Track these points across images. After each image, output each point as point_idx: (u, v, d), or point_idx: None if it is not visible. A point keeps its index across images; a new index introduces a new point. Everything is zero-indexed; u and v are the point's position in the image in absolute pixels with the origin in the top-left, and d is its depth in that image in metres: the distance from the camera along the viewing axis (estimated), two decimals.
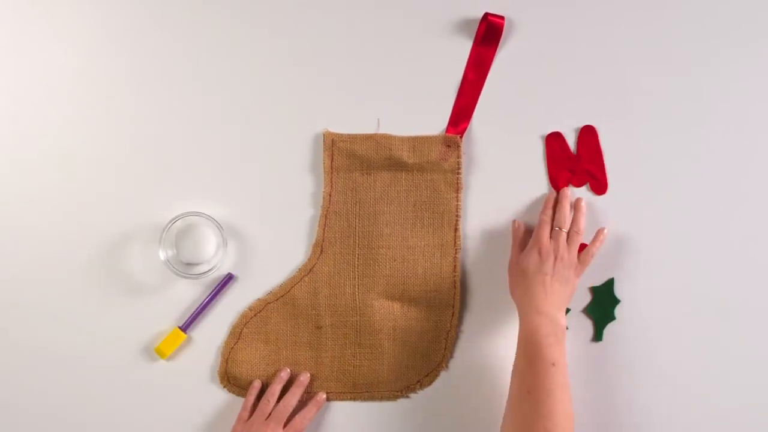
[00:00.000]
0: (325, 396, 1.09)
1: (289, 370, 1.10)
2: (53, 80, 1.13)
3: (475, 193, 1.16)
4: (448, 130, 1.14)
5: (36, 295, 1.13)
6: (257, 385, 1.09)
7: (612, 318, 1.15)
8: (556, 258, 1.05)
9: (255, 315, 1.15)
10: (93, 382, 1.13)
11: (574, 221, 1.08)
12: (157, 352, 1.12)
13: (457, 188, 1.14)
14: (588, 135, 1.13)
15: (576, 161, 1.14)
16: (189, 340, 1.13)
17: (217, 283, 1.11)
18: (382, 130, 1.14)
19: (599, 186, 1.12)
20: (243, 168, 1.15)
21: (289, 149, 1.15)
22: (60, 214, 1.13)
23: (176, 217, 1.10)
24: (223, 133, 1.15)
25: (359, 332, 1.14)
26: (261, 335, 1.15)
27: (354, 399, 1.15)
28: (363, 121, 1.15)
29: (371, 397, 1.15)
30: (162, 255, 1.11)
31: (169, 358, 1.14)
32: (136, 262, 1.13)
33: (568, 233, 1.08)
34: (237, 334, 1.15)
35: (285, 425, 1.09)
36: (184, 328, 1.15)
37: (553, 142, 1.15)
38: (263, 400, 1.09)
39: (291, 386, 1.12)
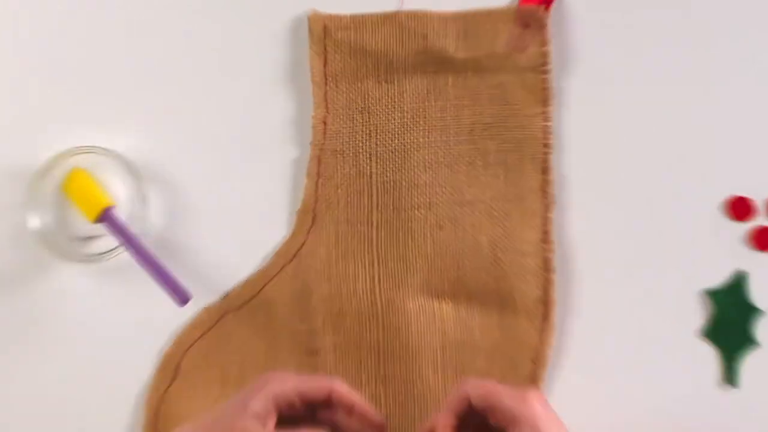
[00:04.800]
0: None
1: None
2: None
3: (575, 106, 0.90)
4: None
5: None
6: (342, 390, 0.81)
7: (751, 342, 0.90)
8: None
9: (202, 335, 0.89)
10: None
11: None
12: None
13: (544, 98, 0.90)
14: None
15: None
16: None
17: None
18: (409, 5, 0.90)
19: None
20: (174, 77, 0.93)
21: (251, 45, 0.92)
22: None
23: (57, 156, 0.89)
24: (139, 17, 0.93)
25: (383, 358, 0.89)
26: (213, 369, 0.90)
27: None
28: None
29: None
30: (33, 222, 0.89)
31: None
32: None
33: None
34: (172, 369, 0.89)
35: None
36: None
37: None
38: None
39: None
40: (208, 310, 0.88)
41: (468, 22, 0.89)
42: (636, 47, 0.91)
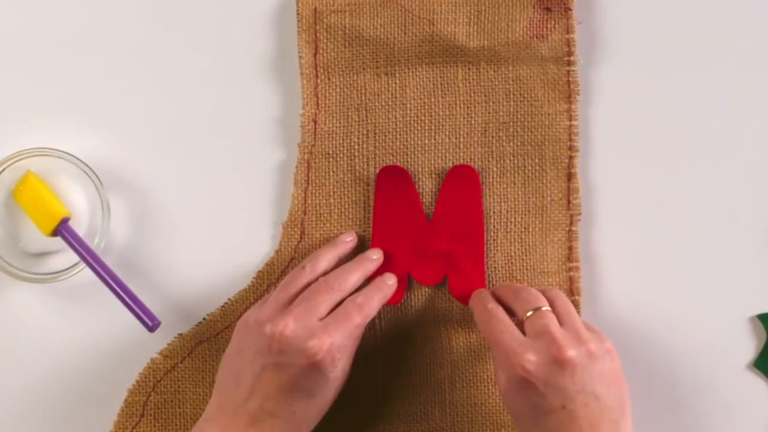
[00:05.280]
0: (393, 282, 0.86)
1: (355, 235, 0.88)
2: None
3: (605, 102, 0.86)
4: None
5: None
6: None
7: None
8: (586, 352, 0.80)
9: (174, 367, 0.85)
10: None
11: (547, 293, 0.84)
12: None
13: (568, 94, 0.86)
14: None
15: None
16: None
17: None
18: None
19: None
20: (142, 69, 0.88)
21: (229, 31, 0.87)
22: None
23: (5, 159, 0.85)
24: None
25: (382, 394, 0.86)
26: (186, 406, 0.86)
27: None
28: None
29: None
30: None
31: None
32: None
33: (555, 310, 0.83)
34: (138, 408, 0.85)
35: None
36: None
37: None
38: (324, 281, 0.83)
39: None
40: (181, 338, 0.85)
41: (481, 5, 0.84)
42: (677, 33, 0.86)
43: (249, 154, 0.86)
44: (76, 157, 0.83)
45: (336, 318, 0.80)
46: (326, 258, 0.85)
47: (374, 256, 0.86)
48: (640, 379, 0.86)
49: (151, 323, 0.80)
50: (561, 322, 0.82)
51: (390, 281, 0.87)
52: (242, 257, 0.86)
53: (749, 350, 0.86)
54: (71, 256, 0.83)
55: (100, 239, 0.84)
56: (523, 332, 0.80)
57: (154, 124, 0.87)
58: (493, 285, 0.86)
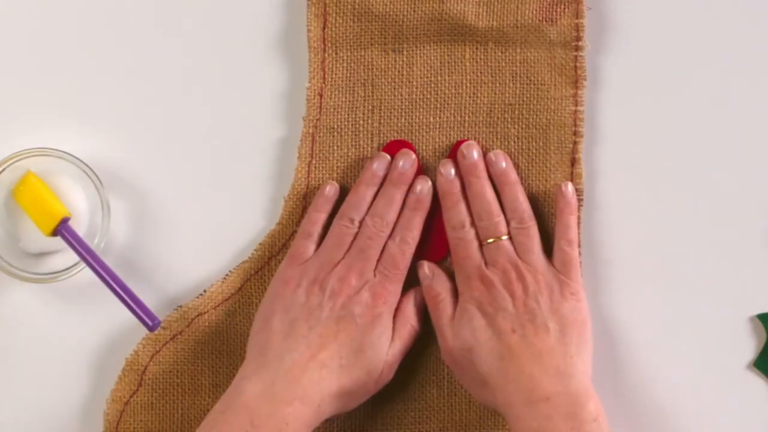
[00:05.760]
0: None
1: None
2: None
3: (613, 88, 0.85)
4: None
5: None
6: (331, 191, 0.86)
7: None
8: (522, 289, 0.83)
9: (172, 339, 0.84)
10: None
11: (510, 206, 0.85)
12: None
13: (575, 79, 0.85)
14: None
15: None
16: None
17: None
18: None
19: None
20: (139, 47, 0.86)
21: (235, 8, 0.85)
22: None
23: (5, 159, 0.84)
24: None
25: None
26: (184, 377, 0.85)
27: None
28: None
29: None
30: None
31: None
32: None
33: (510, 233, 0.84)
34: (136, 377, 0.85)
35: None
36: None
37: None
38: (367, 224, 0.84)
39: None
40: (180, 310, 0.84)
41: None
42: (687, 23, 0.85)
43: (254, 125, 0.84)
44: (76, 157, 0.83)
45: (385, 266, 0.82)
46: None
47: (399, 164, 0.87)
48: (638, 370, 0.86)
49: (151, 323, 0.80)
50: (518, 253, 0.83)
51: (420, 185, 0.86)
52: (244, 256, 0.85)
53: (749, 350, 0.85)
54: (71, 256, 0.83)
55: (100, 239, 0.83)
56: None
57: (154, 119, 0.85)
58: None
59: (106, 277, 0.81)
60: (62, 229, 0.81)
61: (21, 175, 0.83)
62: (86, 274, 0.81)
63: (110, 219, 0.83)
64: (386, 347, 0.82)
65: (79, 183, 0.83)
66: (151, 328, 0.81)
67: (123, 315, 0.82)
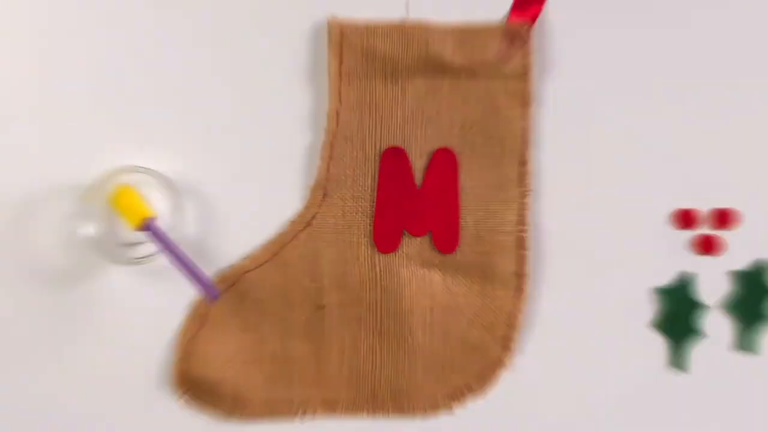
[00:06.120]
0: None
1: None
2: None
3: (551, 109, 0.88)
4: (511, 15, 0.87)
5: None
6: None
7: (697, 333, 0.89)
8: None
9: (227, 289, 0.87)
10: None
11: None
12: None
13: (524, 102, 0.87)
14: None
15: None
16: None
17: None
18: (413, 16, 0.87)
19: None
20: (207, 85, 0.87)
21: (275, 48, 0.87)
22: None
23: (107, 174, 0.84)
24: (174, 32, 0.87)
25: (380, 315, 0.87)
26: (236, 319, 0.87)
27: (373, 413, 0.88)
28: (385, 3, 0.86)
29: (398, 411, 0.88)
30: (85, 230, 0.85)
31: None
32: (45, 242, 0.86)
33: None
34: (200, 318, 0.87)
35: None
36: None
37: None
38: None
39: None
40: (232, 269, 0.87)
41: (464, 34, 0.86)
42: (606, 61, 0.88)
43: (288, 135, 0.87)
44: (157, 172, 0.85)
45: None
46: None
47: None
48: (567, 312, 0.89)
49: (213, 295, 0.81)
50: None
51: None
52: (279, 210, 0.88)
53: (650, 314, 0.89)
54: (153, 246, 0.84)
55: (175, 233, 0.84)
56: None
57: (215, 138, 0.87)
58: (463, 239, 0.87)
59: (179, 260, 0.81)
60: (149, 224, 0.81)
61: (117, 185, 0.84)
62: (164, 258, 0.83)
63: (183, 218, 0.85)
64: None
65: (160, 191, 0.85)
66: (213, 299, 0.83)
67: (191, 290, 0.85)
